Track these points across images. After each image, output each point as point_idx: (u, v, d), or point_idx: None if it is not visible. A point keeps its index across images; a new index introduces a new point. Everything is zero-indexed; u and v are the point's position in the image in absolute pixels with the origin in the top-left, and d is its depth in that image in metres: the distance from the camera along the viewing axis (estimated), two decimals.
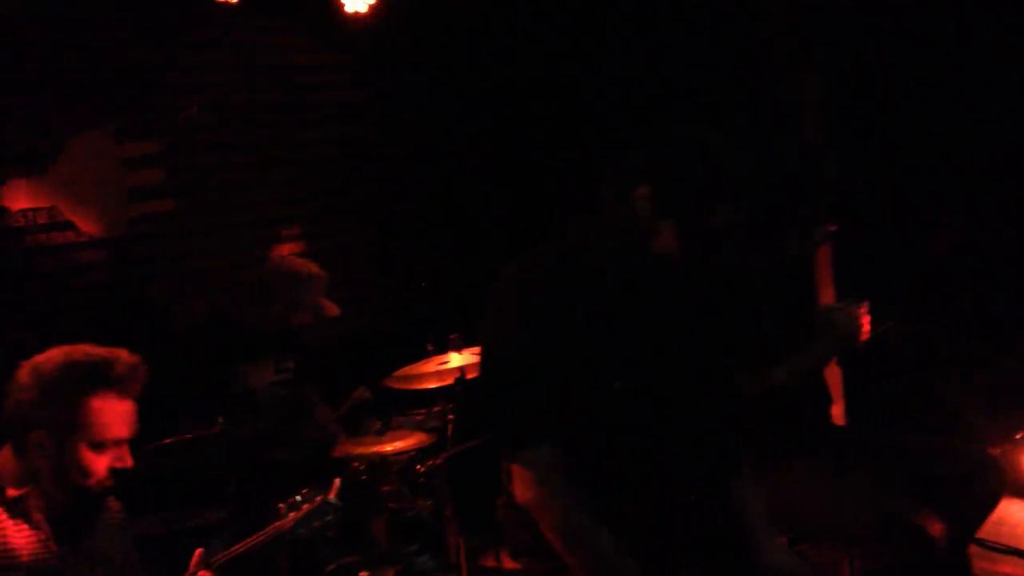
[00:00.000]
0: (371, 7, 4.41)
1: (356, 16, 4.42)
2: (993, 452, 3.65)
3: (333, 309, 3.75)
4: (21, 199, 3.65)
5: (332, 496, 2.35)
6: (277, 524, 2.29)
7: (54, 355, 2.08)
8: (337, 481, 2.39)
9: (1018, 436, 3.92)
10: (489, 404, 1.98)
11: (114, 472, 2.08)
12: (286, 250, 3.76)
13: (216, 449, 2.85)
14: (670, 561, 1.93)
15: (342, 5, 4.38)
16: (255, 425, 3.49)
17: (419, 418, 3.67)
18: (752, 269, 2.70)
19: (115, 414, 2.06)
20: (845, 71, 4.19)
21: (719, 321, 2.08)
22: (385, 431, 3.39)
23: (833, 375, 3.65)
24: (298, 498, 2.42)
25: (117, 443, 2.08)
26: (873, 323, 2.68)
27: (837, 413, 3.27)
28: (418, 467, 3.39)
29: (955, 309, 4.09)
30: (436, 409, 3.62)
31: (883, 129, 4.12)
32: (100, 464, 2.06)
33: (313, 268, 3.70)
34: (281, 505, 2.34)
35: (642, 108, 4.48)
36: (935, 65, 4.01)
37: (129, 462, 2.10)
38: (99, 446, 2.05)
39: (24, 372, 2.07)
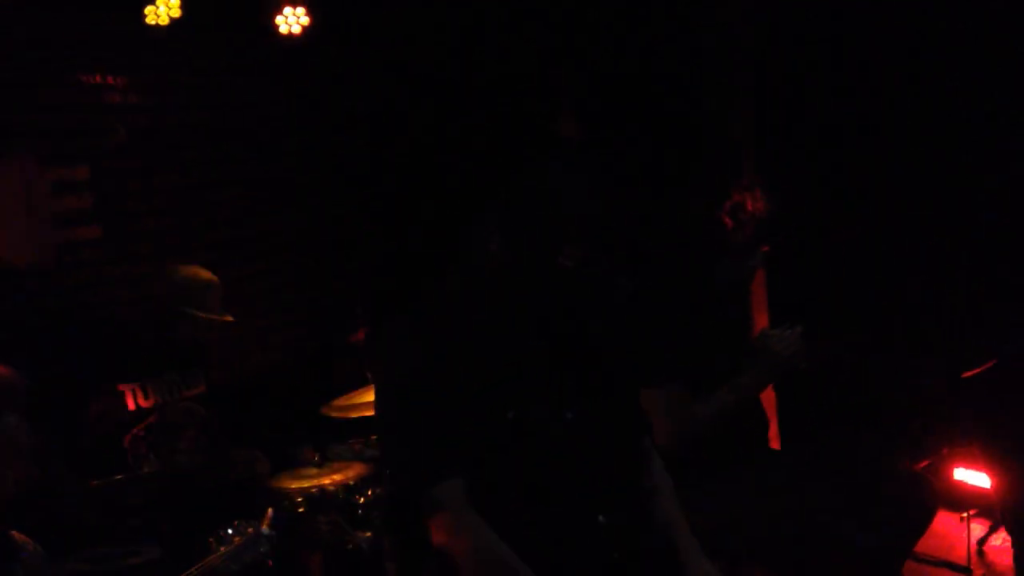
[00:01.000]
0: (304, 28, 4.38)
1: (290, 37, 4.39)
2: (921, 467, 3.75)
3: (223, 317, 3.59)
4: None
5: (264, 527, 2.29)
6: (208, 559, 2.23)
7: None
8: (270, 511, 2.34)
9: (944, 451, 4.02)
10: (390, 445, 2.02)
11: (20, 487, 2.04)
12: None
13: (149, 488, 2.77)
14: None
15: (276, 26, 4.35)
16: (187, 460, 3.41)
17: (357, 447, 3.63)
18: (685, 296, 2.74)
19: (3, 430, 2.03)
20: (775, 95, 4.27)
21: (609, 342, 2.14)
22: (324, 463, 3.34)
23: (767, 398, 3.71)
24: (229, 531, 2.36)
25: (14, 458, 2.04)
26: (807, 348, 2.73)
27: (771, 435, 3.31)
28: (357, 498, 3.35)
29: (880, 330, 4.18)
30: (373, 438, 3.60)
31: (814, 150, 4.21)
32: (3, 483, 2.02)
33: (195, 272, 3.56)
34: (211, 539, 2.28)
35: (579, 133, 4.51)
36: (866, 89, 4.11)
37: (34, 473, 2.07)
38: None
39: None
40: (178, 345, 3.55)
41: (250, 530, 2.27)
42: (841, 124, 4.15)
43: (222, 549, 2.25)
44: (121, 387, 3.41)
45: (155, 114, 4.26)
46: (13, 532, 2.13)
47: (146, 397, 3.45)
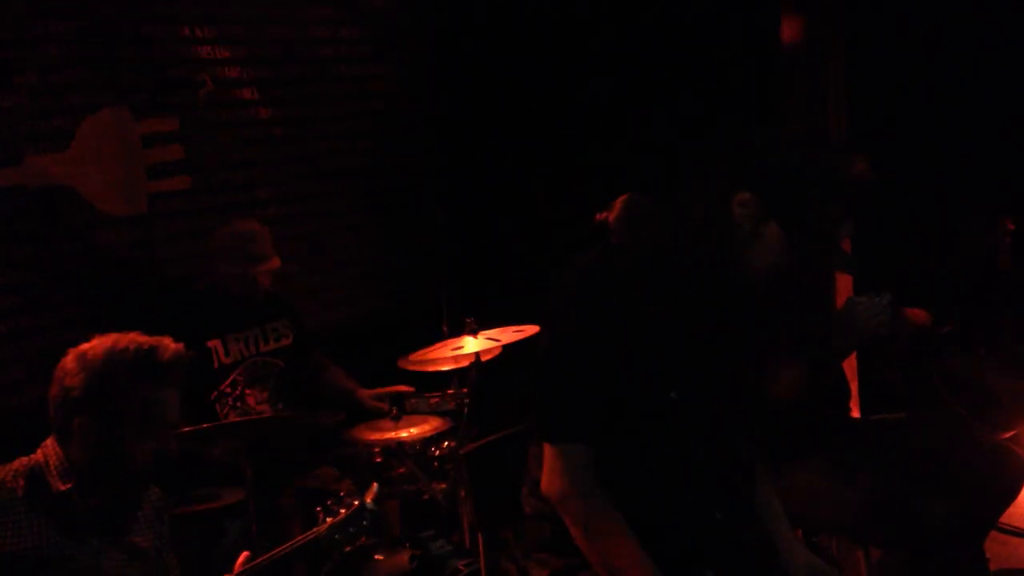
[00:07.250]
0: None
1: None
2: (1007, 437, 3.65)
3: (270, 264, 3.61)
4: (39, 178, 3.62)
5: (369, 500, 2.29)
6: (314, 530, 2.25)
7: (101, 342, 2.05)
8: (375, 485, 2.35)
9: None
10: (539, 388, 1.93)
11: (158, 458, 2.07)
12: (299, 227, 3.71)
13: (232, 437, 2.86)
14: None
15: None
16: (273, 411, 3.50)
17: (434, 400, 3.67)
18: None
19: (162, 402, 2.06)
20: (867, 56, 4.13)
21: (751, 331, 2.06)
22: (400, 417, 3.39)
23: (848, 366, 3.64)
24: (332, 502, 2.36)
25: (163, 430, 2.08)
26: (893, 316, 2.66)
27: (852, 403, 3.25)
28: (433, 450, 3.40)
29: (968, 298, 4.07)
30: (450, 392, 3.62)
31: (906, 118, 4.07)
32: (146, 451, 2.05)
33: (236, 228, 3.62)
34: (319, 509, 2.30)
35: (655, 98, 4.42)
36: (961, 53, 3.95)
37: (173, 447, 2.10)
38: (144, 434, 2.04)
39: (70, 359, 2.05)
40: (252, 302, 3.63)
41: (355, 502, 2.28)
42: (934, 84, 4.00)
43: (328, 520, 2.26)
44: (209, 344, 3.51)
45: (243, 66, 4.32)
46: None
47: (227, 354, 3.55)
